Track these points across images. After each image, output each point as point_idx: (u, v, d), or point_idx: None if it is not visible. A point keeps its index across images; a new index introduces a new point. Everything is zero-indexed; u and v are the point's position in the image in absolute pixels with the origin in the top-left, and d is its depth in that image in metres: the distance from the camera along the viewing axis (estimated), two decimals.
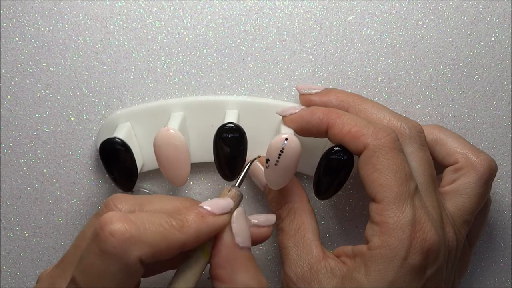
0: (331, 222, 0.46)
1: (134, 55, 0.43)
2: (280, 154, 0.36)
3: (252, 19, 0.44)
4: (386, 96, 0.45)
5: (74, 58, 0.43)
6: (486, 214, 0.43)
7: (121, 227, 0.29)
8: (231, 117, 0.41)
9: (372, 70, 0.44)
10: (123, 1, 0.43)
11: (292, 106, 0.41)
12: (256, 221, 0.38)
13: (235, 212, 0.35)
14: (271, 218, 0.39)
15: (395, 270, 0.33)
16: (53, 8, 0.43)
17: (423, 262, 0.34)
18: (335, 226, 0.46)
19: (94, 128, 0.44)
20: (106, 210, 0.33)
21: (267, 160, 0.37)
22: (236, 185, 0.36)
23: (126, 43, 0.43)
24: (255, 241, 0.37)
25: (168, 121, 0.41)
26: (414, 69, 0.44)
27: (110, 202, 0.34)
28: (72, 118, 0.44)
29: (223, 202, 0.34)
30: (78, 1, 0.43)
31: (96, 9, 0.43)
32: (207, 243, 0.34)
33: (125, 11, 0.43)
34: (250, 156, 0.41)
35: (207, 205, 0.34)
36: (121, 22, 0.43)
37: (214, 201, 0.35)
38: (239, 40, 0.44)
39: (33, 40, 0.43)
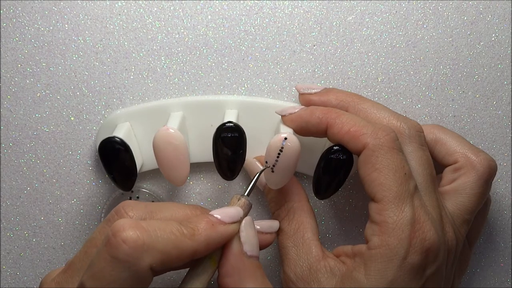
0: (331, 222, 0.46)
1: (134, 55, 0.43)
2: (279, 154, 0.36)
3: (252, 19, 0.44)
4: (386, 96, 0.45)
5: (74, 58, 0.43)
6: (486, 214, 0.43)
7: (134, 234, 0.29)
8: (230, 116, 0.41)
9: (372, 70, 0.44)
10: (123, 1, 0.43)
11: (292, 105, 0.41)
12: (259, 227, 0.38)
13: (243, 221, 0.35)
14: (274, 225, 0.39)
15: (394, 269, 0.33)
16: (53, 8, 0.43)
17: (422, 262, 0.34)
18: (335, 226, 0.46)
19: (94, 128, 0.44)
20: (117, 217, 0.34)
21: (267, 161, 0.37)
22: (246, 194, 0.36)
23: (126, 43, 0.43)
24: None
25: (167, 121, 0.41)
26: (414, 69, 0.44)
27: (121, 209, 0.34)
28: (72, 118, 0.44)
29: (233, 211, 0.35)
30: (78, 1, 0.43)
31: (96, 9, 0.43)
32: (215, 251, 0.34)
33: (125, 11, 0.43)
34: (249, 155, 0.41)
35: (217, 214, 0.34)
36: (121, 22, 0.43)
37: (224, 209, 0.35)
38: (239, 40, 0.44)
39: (33, 40, 0.43)
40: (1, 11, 0.42)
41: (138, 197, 0.44)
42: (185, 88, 0.44)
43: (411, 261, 0.33)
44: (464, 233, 0.38)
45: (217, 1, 0.43)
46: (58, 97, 0.43)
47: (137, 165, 0.40)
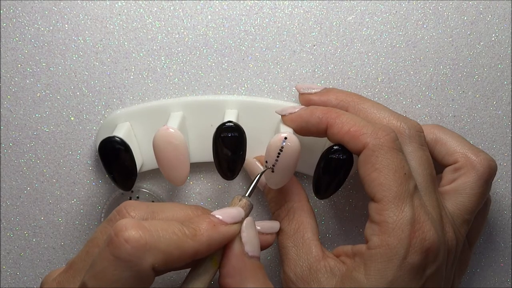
0: (331, 222, 0.46)
1: (134, 55, 0.43)
2: (279, 153, 0.36)
3: (252, 19, 0.44)
4: (386, 96, 0.45)
5: (74, 58, 0.43)
6: (486, 214, 0.43)
7: (136, 234, 0.30)
8: (230, 116, 0.41)
9: (372, 70, 0.44)
10: (123, 1, 0.43)
11: (292, 105, 0.41)
12: (259, 228, 0.38)
13: (245, 222, 0.35)
14: (275, 225, 0.39)
15: (394, 269, 0.33)
16: (53, 8, 0.43)
17: (422, 262, 0.34)
18: (335, 226, 0.46)
19: (94, 128, 0.44)
20: (119, 217, 0.34)
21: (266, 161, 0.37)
22: (247, 195, 0.36)
23: (126, 43, 0.43)
24: None
25: (167, 121, 0.41)
26: (414, 69, 0.44)
27: (123, 209, 0.34)
28: (72, 118, 0.44)
29: (234, 212, 0.35)
30: (78, 1, 0.43)
31: (96, 9, 0.43)
32: (216, 252, 0.34)
33: (125, 11, 0.43)
34: (249, 155, 0.41)
35: (219, 214, 0.34)
36: (121, 22, 0.43)
37: (225, 210, 0.35)
38: (239, 40, 0.44)
39: (33, 40, 0.43)
40: (1, 11, 0.42)
41: (138, 197, 0.44)
42: (185, 88, 0.44)
43: (411, 261, 0.33)
44: (464, 233, 0.38)
45: (217, 1, 0.43)
46: (58, 97, 0.43)
47: (137, 165, 0.40)
